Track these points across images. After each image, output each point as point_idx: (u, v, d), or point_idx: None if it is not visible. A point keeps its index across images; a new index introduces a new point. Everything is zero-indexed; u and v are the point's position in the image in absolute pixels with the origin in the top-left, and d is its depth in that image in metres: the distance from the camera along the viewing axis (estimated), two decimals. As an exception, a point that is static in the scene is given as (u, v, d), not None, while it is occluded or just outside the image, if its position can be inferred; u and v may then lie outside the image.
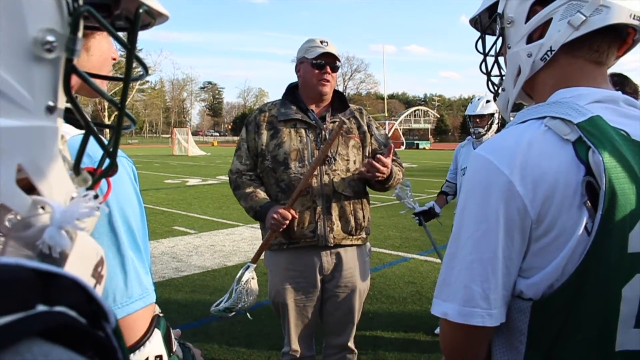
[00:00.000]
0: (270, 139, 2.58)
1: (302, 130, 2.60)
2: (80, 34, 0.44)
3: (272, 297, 2.67)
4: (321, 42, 2.64)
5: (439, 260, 5.87)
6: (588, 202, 0.85)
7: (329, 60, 2.61)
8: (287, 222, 2.46)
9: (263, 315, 4.55)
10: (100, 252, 0.49)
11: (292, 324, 2.64)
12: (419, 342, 4.03)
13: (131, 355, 0.93)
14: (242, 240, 7.86)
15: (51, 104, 0.43)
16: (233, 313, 2.59)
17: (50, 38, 0.41)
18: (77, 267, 0.44)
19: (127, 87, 0.52)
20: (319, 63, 2.59)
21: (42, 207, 0.44)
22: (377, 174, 2.48)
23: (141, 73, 0.61)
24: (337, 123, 2.57)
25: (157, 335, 0.99)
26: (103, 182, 0.76)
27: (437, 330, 4.10)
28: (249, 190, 2.57)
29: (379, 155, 2.48)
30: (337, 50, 2.66)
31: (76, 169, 0.51)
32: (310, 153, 2.57)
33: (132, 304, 0.94)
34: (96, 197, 0.49)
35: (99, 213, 0.51)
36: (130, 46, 0.51)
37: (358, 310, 2.74)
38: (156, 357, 0.98)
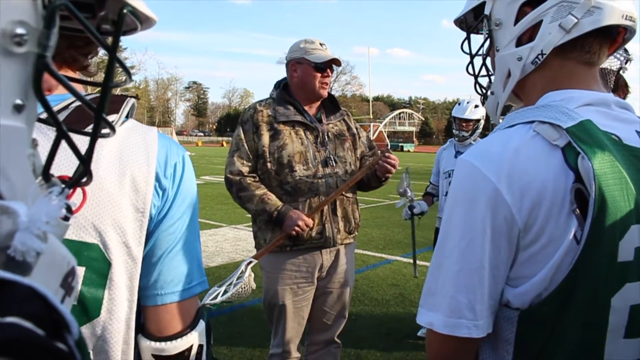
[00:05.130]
0: (271, 141, 2.55)
1: (302, 132, 2.59)
2: (55, 29, 0.41)
3: (269, 299, 2.65)
4: (320, 44, 2.63)
5: (421, 263, 5.88)
6: (577, 209, 0.82)
7: (329, 64, 2.62)
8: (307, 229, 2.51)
9: (245, 316, 4.53)
10: (72, 262, 0.46)
11: (288, 326, 2.63)
12: (401, 344, 4.02)
13: (178, 340, 0.98)
14: (226, 241, 7.80)
15: (19, 102, 0.40)
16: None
17: (20, 31, 0.38)
18: (45, 276, 0.41)
19: (106, 92, 0.49)
20: (322, 67, 2.59)
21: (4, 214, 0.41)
22: (391, 170, 2.60)
23: (124, 79, 0.58)
24: (380, 151, 2.66)
25: (202, 325, 1.03)
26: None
27: (420, 333, 4.12)
28: (258, 192, 2.53)
29: (387, 153, 2.59)
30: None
31: (45, 174, 0.47)
32: (312, 155, 2.57)
33: (193, 287, 1.03)
34: (62, 192, 0.45)
35: (68, 223, 0.48)
36: (112, 49, 0.48)
37: (348, 304, 2.82)
38: (199, 346, 1.00)
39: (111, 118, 0.91)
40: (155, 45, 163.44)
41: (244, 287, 2.54)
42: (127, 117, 0.99)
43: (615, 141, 0.88)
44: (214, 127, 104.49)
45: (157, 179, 0.96)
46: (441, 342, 0.93)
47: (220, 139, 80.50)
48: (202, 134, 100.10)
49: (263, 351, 3.70)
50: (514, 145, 0.87)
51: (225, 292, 2.51)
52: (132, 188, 0.92)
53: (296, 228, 2.45)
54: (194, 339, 1.00)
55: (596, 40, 0.95)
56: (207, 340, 1.04)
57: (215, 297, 2.51)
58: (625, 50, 2.56)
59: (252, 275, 2.59)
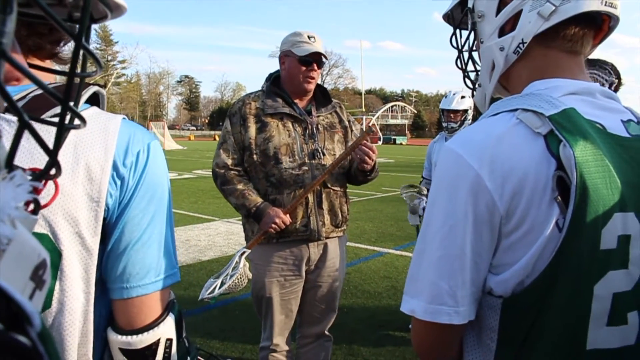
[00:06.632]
0: (258, 133, 2.55)
1: (290, 124, 2.59)
2: (13, 14, 0.39)
3: (257, 291, 2.65)
4: (309, 37, 2.61)
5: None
6: (559, 197, 0.82)
7: (316, 58, 2.60)
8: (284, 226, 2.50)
9: (237, 310, 4.52)
10: (42, 254, 0.43)
11: (276, 318, 2.64)
12: (393, 337, 4.04)
13: (144, 334, 0.96)
14: (218, 234, 7.78)
15: None
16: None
17: None
18: (13, 268, 0.39)
19: (72, 81, 0.47)
20: (306, 60, 2.57)
21: None
22: (367, 159, 2.51)
23: (94, 69, 0.56)
24: (364, 130, 2.61)
25: (170, 319, 1.02)
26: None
27: (412, 325, 4.13)
28: (240, 187, 2.53)
29: (364, 142, 2.52)
30: (321, 45, 2.65)
31: (9, 165, 0.45)
32: (299, 147, 2.56)
33: (162, 280, 1.01)
34: (31, 177, 0.43)
35: (36, 217, 0.46)
36: (78, 36, 0.46)
37: (338, 298, 2.81)
38: (167, 339, 1.00)
39: None
40: (147, 39, 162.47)
41: (240, 278, 2.55)
42: (93, 105, 0.96)
43: (599, 130, 0.88)
44: (206, 121, 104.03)
45: (115, 168, 0.94)
46: (424, 329, 0.93)
47: (212, 132, 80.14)
48: (194, 128, 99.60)
49: (255, 345, 3.69)
50: (497, 132, 0.87)
51: (222, 284, 2.51)
52: (87, 177, 0.90)
53: (273, 225, 2.46)
54: (161, 332, 0.98)
55: (578, 28, 0.95)
56: (177, 333, 1.02)
57: (213, 291, 2.51)
58: (612, 72, 2.57)
59: (247, 264, 2.60)
